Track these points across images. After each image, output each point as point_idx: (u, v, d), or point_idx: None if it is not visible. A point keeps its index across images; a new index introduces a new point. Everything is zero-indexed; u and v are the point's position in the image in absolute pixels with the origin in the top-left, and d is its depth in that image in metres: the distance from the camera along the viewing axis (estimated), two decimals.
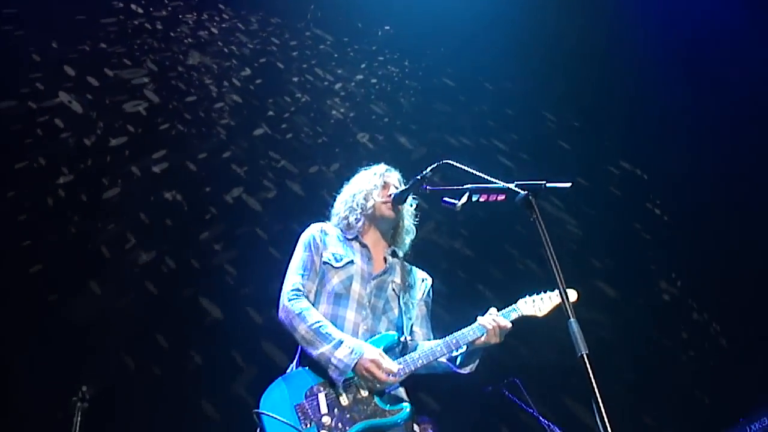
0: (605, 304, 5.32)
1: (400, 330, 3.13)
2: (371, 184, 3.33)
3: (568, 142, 5.88)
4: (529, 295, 3.18)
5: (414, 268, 3.40)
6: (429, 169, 2.93)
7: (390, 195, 3.26)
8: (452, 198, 2.76)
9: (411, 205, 3.43)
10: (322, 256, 3.14)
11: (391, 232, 3.37)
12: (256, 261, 4.74)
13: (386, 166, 3.43)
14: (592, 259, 5.57)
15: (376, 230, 3.32)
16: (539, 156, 5.67)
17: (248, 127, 5.34)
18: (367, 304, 3.09)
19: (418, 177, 2.98)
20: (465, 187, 2.76)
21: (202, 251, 4.76)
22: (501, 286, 5.19)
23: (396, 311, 3.14)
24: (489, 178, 2.66)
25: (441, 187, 2.88)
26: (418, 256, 3.40)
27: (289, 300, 3.02)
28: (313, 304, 3.07)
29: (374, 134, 5.82)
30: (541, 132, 5.91)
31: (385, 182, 3.35)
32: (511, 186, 2.62)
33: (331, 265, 3.12)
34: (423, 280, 3.37)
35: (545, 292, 3.14)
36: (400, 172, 3.42)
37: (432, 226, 3.57)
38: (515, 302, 3.16)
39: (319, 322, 2.97)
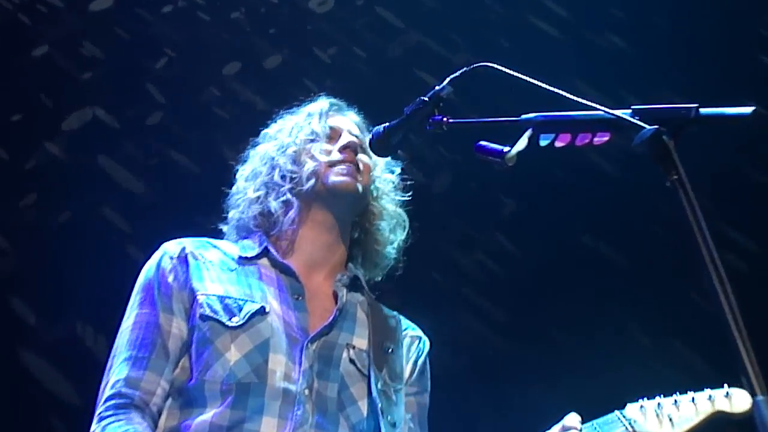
0: None
1: None
2: (304, 133, 2.87)
3: None
4: (663, 397, 2.83)
5: (398, 316, 2.93)
6: (448, 79, 2.44)
7: (346, 146, 2.82)
8: (494, 144, 2.31)
9: (391, 172, 3.00)
10: (193, 307, 2.62)
11: (347, 233, 2.88)
12: (84, 249, 4.51)
13: (330, 101, 2.98)
14: None
15: (319, 232, 2.81)
16: (700, 76, 5.12)
17: None
18: (306, 394, 2.54)
19: (425, 98, 2.47)
20: (524, 118, 2.29)
21: None
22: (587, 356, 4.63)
23: (364, 406, 2.63)
24: (577, 98, 2.23)
25: (472, 120, 2.42)
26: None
27: (99, 421, 2.52)
28: (182, 413, 2.55)
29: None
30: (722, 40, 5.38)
31: (332, 129, 2.90)
32: (624, 114, 2.16)
33: (221, 324, 2.58)
34: (414, 342, 2.89)
35: (693, 391, 2.81)
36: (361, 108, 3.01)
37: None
38: (622, 408, 2.79)
39: None
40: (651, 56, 5.36)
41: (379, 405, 2.62)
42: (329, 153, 2.83)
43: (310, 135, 2.86)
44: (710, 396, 2.80)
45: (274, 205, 2.79)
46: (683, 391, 2.84)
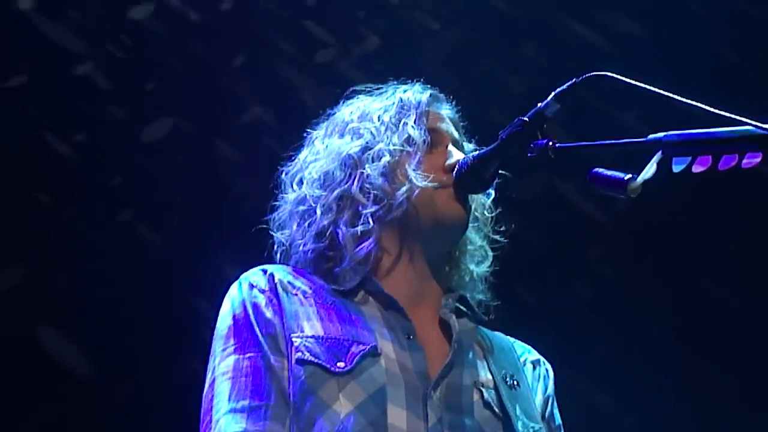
0: None
1: None
2: (399, 137, 2.39)
3: None
4: None
5: (509, 339, 2.56)
6: (553, 94, 2.16)
7: (453, 165, 2.34)
8: (613, 171, 2.05)
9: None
10: (287, 351, 2.22)
11: (443, 257, 2.48)
12: None
13: (429, 91, 2.50)
14: None
15: (422, 258, 2.40)
16: None
17: None
18: None
19: (525, 118, 2.18)
20: (653, 138, 2.03)
21: None
22: None
23: None
24: (718, 111, 1.96)
25: (586, 143, 2.16)
26: None
27: None
28: None
29: None
30: None
31: (432, 132, 2.43)
32: None
33: (324, 369, 2.19)
34: (536, 369, 2.52)
35: None
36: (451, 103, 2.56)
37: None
38: None
39: None
40: None
41: None
42: (432, 171, 2.36)
43: (406, 141, 2.38)
44: None
45: (346, 232, 2.34)
46: None
